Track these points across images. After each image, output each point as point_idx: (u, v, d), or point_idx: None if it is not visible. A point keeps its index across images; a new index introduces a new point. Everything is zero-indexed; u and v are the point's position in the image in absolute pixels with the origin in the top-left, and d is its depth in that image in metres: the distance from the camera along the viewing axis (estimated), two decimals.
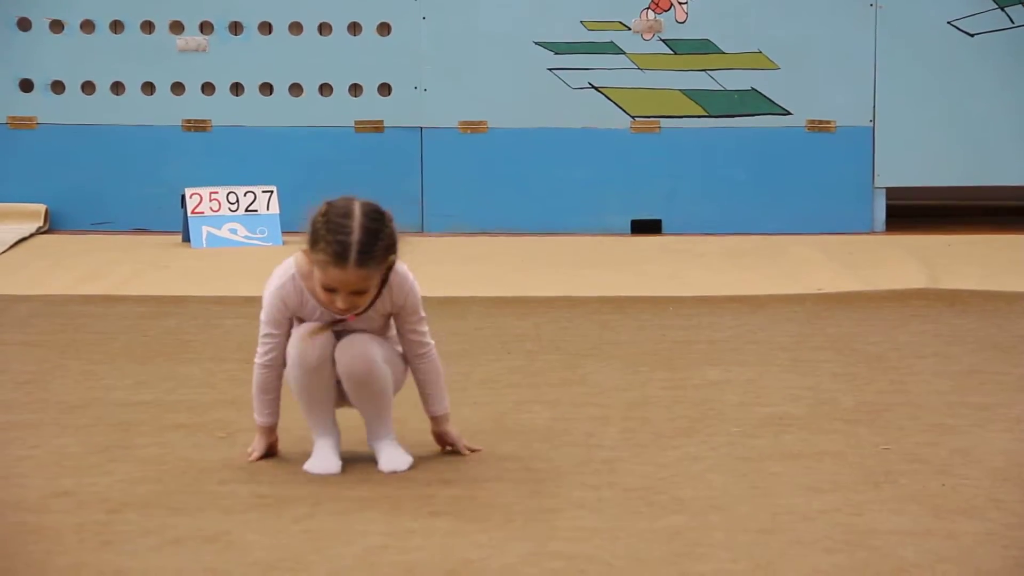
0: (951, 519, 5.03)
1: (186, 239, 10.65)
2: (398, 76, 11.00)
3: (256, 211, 10.76)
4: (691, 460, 5.70)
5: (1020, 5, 11.02)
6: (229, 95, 11.23)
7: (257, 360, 5.51)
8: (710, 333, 7.93)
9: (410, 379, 5.59)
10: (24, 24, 11.20)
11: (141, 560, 4.67)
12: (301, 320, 5.40)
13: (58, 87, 11.23)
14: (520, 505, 5.08)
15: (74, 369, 7.12)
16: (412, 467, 5.44)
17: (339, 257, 5.08)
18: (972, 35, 11.06)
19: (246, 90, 11.23)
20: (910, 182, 11.23)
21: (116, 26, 11.21)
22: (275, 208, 10.78)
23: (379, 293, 5.30)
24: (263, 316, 5.48)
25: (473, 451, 5.63)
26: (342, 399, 5.55)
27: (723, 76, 11.14)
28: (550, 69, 11.15)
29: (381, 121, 11.06)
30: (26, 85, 11.23)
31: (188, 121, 11.17)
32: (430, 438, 5.72)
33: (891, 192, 11.19)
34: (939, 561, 4.64)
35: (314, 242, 5.15)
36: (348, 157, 11.02)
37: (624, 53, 11.13)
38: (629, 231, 11.26)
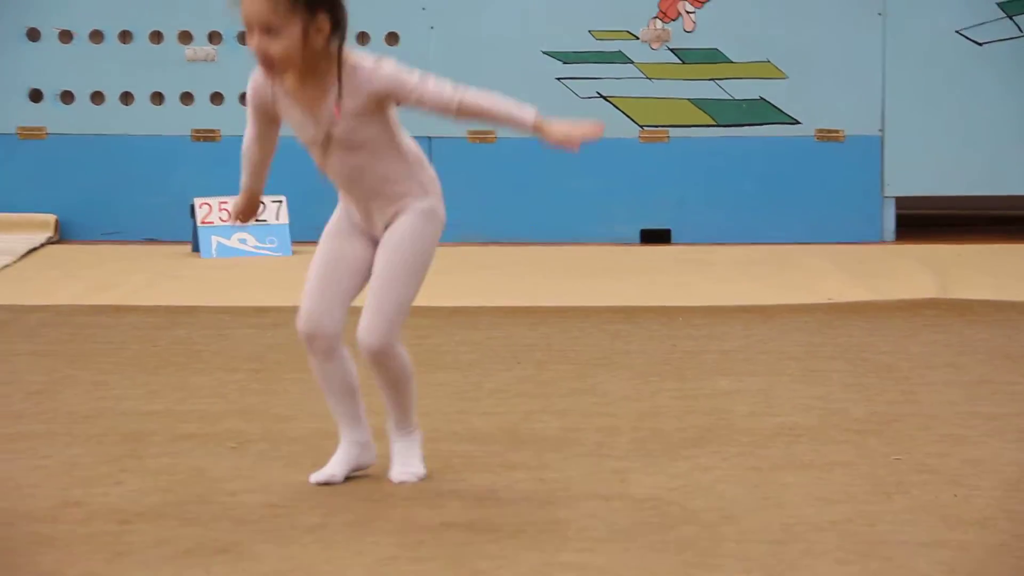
0: (963, 530, 5.03)
1: (196, 249, 10.70)
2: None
3: (265, 221, 10.78)
4: (702, 470, 5.70)
5: None
6: (238, 105, 11.23)
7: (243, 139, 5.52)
8: (720, 343, 7.94)
9: None
10: (33, 35, 11.23)
11: (152, 571, 4.68)
12: (276, 118, 5.32)
13: (67, 97, 11.27)
14: (531, 515, 5.08)
15: (84, 379, 7.13)
16: (423, 479, 5.35)
17: None
18: (980, 44, 11.07)
19: None
20: (920, 191, 11.24)
21: (125, 36, 11.25)
22: (285, 218, 10.81)
23: (340, 85, 5.01)
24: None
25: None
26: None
27: (731, 85, 11.15)
28: (558, 78, 11.17)
29: None
30: (35, 95, 11.27)
31: (197, 131, 11.20)
32: (443, 446, 5.73)
33: (901, 202, 11.21)
34: (951, 572, 4.64)
35: None
36: None
37: (632, 62, 11.15)
38: (639, 241, 11.28)
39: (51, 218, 11.22)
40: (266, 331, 8.19)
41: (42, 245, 10.95)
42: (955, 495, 5.41)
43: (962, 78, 11.09)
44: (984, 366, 7.39)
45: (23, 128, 11.28)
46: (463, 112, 5.04)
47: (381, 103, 5.07)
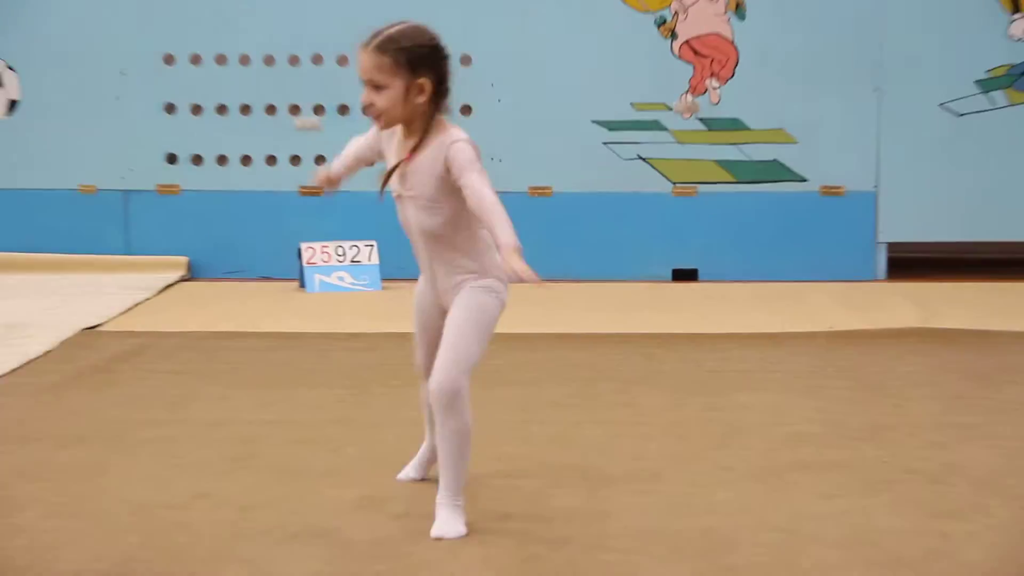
0: (942, 521, 5.01)
1: (302, 285, 10.70)
2: (481, 142, 11.00)
3: (359, 262, 10.80)
4: (723, 470, 5.69)
5: (999, 91, 10.98)
6: None
7: None
8: (738, 364, 7.90)
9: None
10: (170, 108, 11.31)
11: (266, 550, 4.72)
12: (380, 155, 5.04)
13: (197, 159, 11.33)
14: (578, 508, 5.08)
15: (211, 393, 7.16)
16: (462, 536, 4.77)
17: (363, 40, 4.68)
18: (960, 115, 11.03)
19: None
20: (908, 238, 11.19)
21: (245, 109, 11.31)
22: (375, 259, 10.82)
23: (420, 140, 4.74)
24: None
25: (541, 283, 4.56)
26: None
27: (750, 149, 11.15)
28: (605, 143, 11.18)
29: None
30: (171, 158, 11.33)
31: (304, 187, 11.23)
32: (506, 449, 5.74)
33: (891, 246, 11.16)
34: (931, 556, 4.64)
35: None
36: None
37: (667, 130, 11.15)
38: (671, 279, 11.27)
39: (183, 260, 11.25)
40: (359, 353, 8.20)
41: (176, 282, 10.99)
42: (935, 492, 5.41)
43: (944, 143, 11.04)
44: (960, 384, 7.34)
45: (161, 185, 11.34)
46: (480, 212, 4.57)
47: (451, 175, 4.69)
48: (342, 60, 11.17)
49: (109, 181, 11.36)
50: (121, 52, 11.28)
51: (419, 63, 4.63)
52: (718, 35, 11.14)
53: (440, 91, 4.72)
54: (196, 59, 11.30)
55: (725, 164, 11.18)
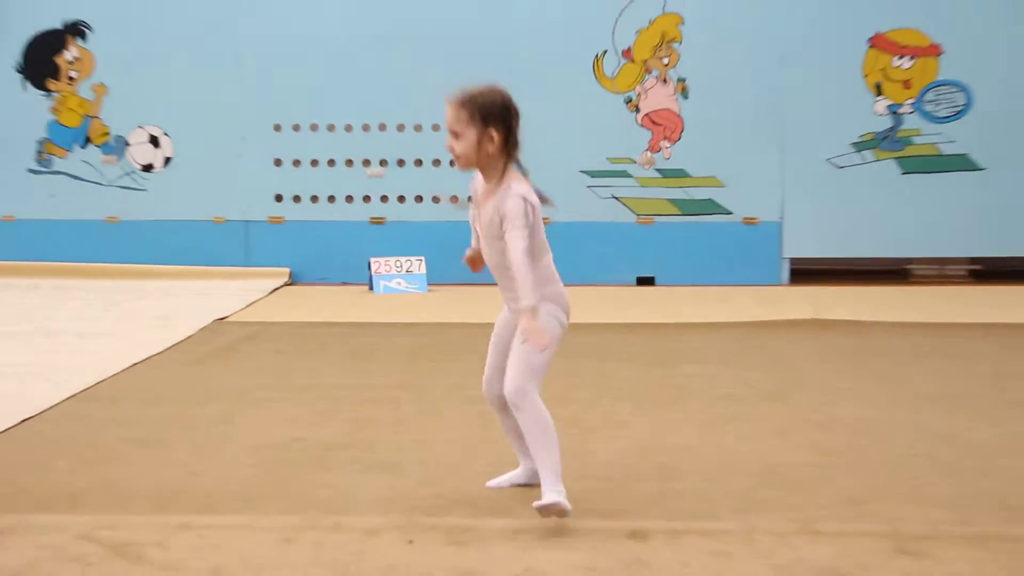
0: (828, 456, 5.01)
1: (371, 288, 10.72)
2: None
3: (412, 271, 10.81)
4: (673, 421, 5.69)
5: (868, 150, 10.98)
6: (396, 203, 11.33)
7: None
8: (686, 345, 7.88)
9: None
10: (277, 162, 11.34)
11: (344, 478, 4.72)
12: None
13: (297, 199, 11.35)
14: (566, 447, 4.92)
15: (304, 366, 7.17)
16: (566, 512, 4.08)
17: (448, 96, 4.16)
18: (840, 167, 11.03)
19: (407, 200, 11.32)
20: (805, 254, 11.18)
21: (330, 162, 11.33)
22: (423, 270, 10.82)
23: (493, 186, 4.18)
24: None
25: (529, 341, 4.03)
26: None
27: (692, 190, 11.14)
28: (588, 186, 11.19)
29: None
30: (278, 198, 11.36)
31: (373, 218, 11.25)
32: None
33: (793, 260, 11.15)
34: (820, 480, 4.64)
35: None
36: (467, 242, 11.06)
37: (632, 177, 11.15)
38: (635, 283, 11.27)
39: (286, 270, 11.26)
40: (413, 338, 8.22)
41: (281, 286, 11.00)
42: (823, 436, 5.39)
43: (830, 187, 11.01)
44: (840, 359, 7.32)
45: (271, 217, 11.35)
46: (512, 266, 4.04)
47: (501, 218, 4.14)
48: (400, 127, 11.19)
49: (234, 214, 11.38)
50: (242, 123, 11.31)
51: (490, 117, 4.10)
52: (669, 110, 11.14)
53: (509, 142, 4.16)
54: (296, 127, 11.32)
55: (674, 201, 11.18)
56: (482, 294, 10.35)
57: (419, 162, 11.26)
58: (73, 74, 11.32)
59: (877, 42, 10.93)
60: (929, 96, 10.95)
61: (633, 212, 11.20)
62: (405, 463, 4.93)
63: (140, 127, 11.39)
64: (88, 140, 11.38)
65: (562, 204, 11.13)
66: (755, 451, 5.13)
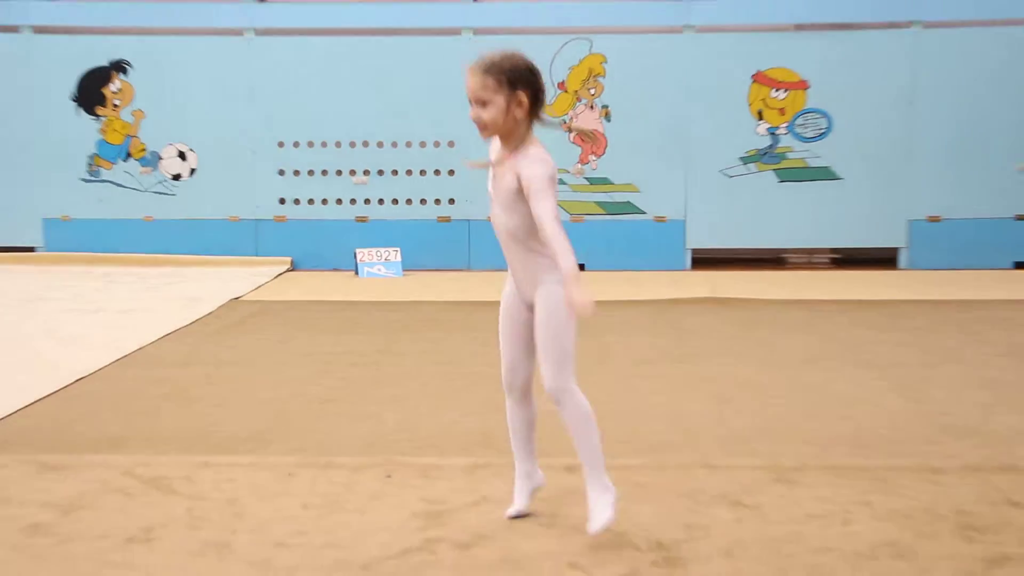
0: (724, 406, 5.01)
1: (356, 274, 10.63)
2: (460, 193, 11.05)
3: (390, 260, 10.75)
4: (596, 379, 5.66)
5: (753, 163, 11.03)
6: (377, 205, 11.25)
7: None
8: (609, 319, 7.84)
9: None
10: (281, 172, 11.22)
11: (336, 427, 4.65)
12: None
13: (297, 201, 11.25)
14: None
15: (303, 336, 7.10)
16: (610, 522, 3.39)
17: (471, 64, 3.31)
18: (731, 176, 11.08)
19: (385, 202, 11.24)
20: (704, 245, 11.22)
21: (324, 172, 11.23)
22: (399, 258, 10.76)
23: (510, 150, 3.34)
24: None
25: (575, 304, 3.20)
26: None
27: (614, 195, 11.15)
28: None
29: (449, 216, 11.08)
30: (282, 201, 11.24)
31: (358, 217, 11.17)
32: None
33: (694, 251, 11.19)
34: (714, 424, 4.64)
35: None
36: (435, 236, 11.03)
37: (567, 184, 11.15)
38: None
39: (288, 259, 11.13)
40: (390, 313, 8.18)
41: (283, 272, 10.86)
42: (720, 391, 5.40)
43: (723, 192, 11.04)
44: (733, 329, 7.35)
45: (276, 216, 11.24)
46: (543, 238, 3.27)
47: (520, 184, 3.31)
48: (379, 144, 11.10)
49: (246, 214, 11.25)
50: (253, 141, 11.18)
51: (519, 81, 3.27)
52: (595, 130, 11.13)
53: (536, 103, 3.32)
54: (296, 144, 11.20)
55: (600, 203, 11.17)
56: (448, 278, 10.32)
57: (395, 172, 11.20)
58: (117, 102, 11.26)
59: (758, 78, 11.00)
60: (799, 121, 11.03)
61: (567, 212, 11.19)
62: (384, 414, 4.91)
63: (170, 144, 11.27)
64: (129, 155, 11.30)
65: None
66: (665, 403, 5.14)
